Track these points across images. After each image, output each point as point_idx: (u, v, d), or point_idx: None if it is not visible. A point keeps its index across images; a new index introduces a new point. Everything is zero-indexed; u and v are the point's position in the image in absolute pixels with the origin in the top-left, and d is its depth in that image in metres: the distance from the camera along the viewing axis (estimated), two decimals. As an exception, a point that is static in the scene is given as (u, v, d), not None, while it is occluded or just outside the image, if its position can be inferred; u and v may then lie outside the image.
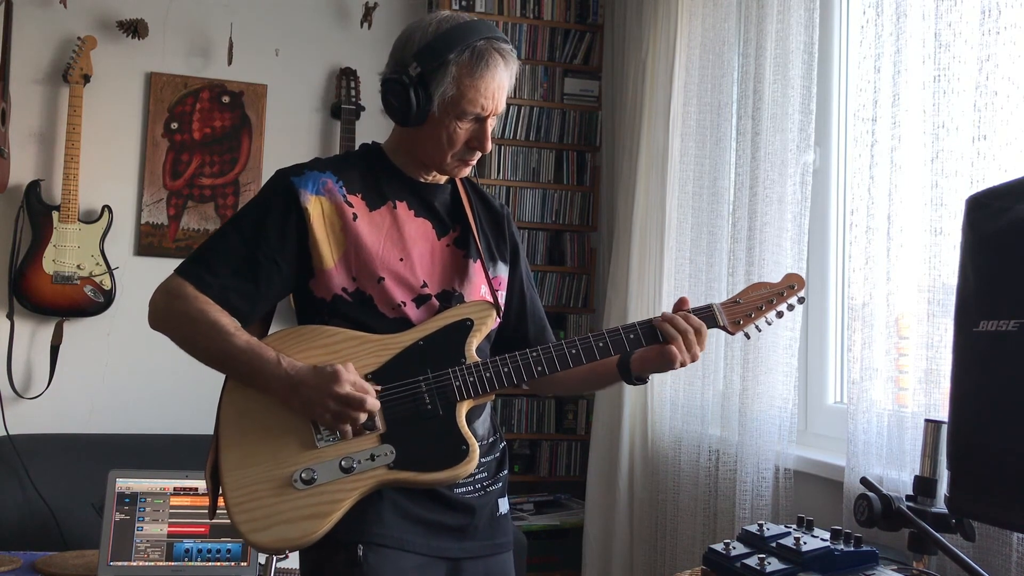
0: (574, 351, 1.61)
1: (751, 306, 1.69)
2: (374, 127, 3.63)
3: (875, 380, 2.03)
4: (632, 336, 1.63)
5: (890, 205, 2.01)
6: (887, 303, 2.02)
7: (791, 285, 1.71)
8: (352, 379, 1.51)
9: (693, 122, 2.87)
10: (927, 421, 1.66)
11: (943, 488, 1.55)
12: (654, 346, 1.64)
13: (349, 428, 1.52)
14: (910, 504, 1.57)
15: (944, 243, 1.83)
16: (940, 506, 1.57)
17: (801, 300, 1.73)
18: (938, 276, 1.84)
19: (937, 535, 1.43)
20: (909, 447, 1.91)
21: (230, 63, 3.58)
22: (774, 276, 2.37)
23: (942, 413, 1.76)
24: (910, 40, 1.99)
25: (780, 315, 1.72)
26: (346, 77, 3.67)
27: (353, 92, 3.65)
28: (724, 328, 1.68)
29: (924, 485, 1.60)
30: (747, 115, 2.56)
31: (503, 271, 1.77)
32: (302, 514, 1.49)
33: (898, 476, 1.92)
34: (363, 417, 1.51)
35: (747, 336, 1.74)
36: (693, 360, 1.64)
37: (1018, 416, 1.18)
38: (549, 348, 1.61)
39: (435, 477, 1.54)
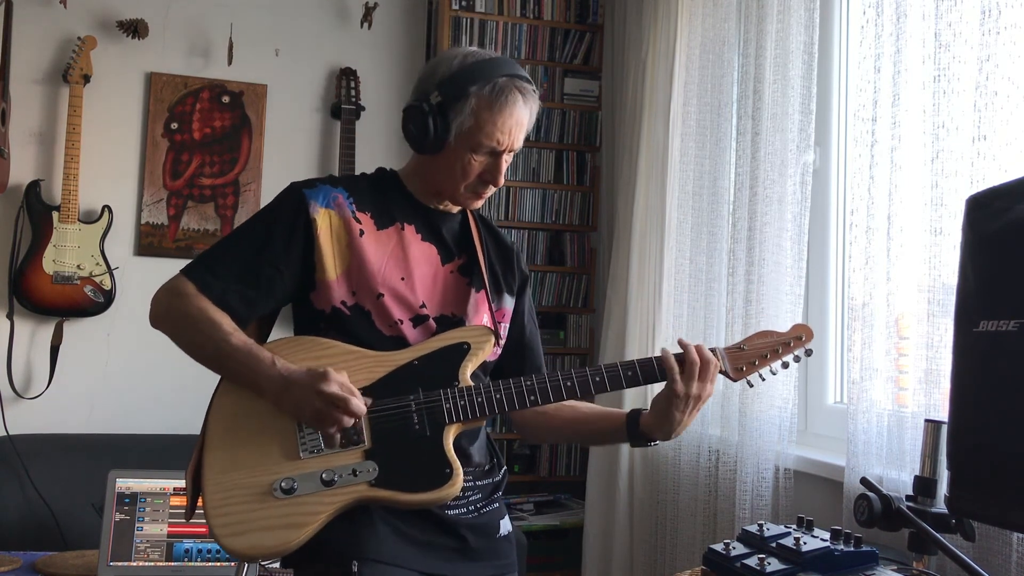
0: (569, 383, 1.59)
1: (756, 354, 1.66)
2: (374, 127, 3.63)
3: (875, 380, 2.03)
4: (630, 373, 1.60)
5: (890, 205, 2.01)
6: (887, 303, 2.02)
7: (799, 336, 1.68)
8: (341, 380, 1.49)
9: (693, 122, 2.87)
10: (927, 421, 1.65)
11: (943, 488, 1.55)
12: (659, 403, 1.61)
13: (333, 432, 1.51)
14: (910, 504, 1.57)
15: (944, 243, 1.83)
16: (940, 506, 1.56)
17: (809, 352, 1.69)
18: (938, 276, 1.84)
19: (937, 535, 1.43)
20: (909, 447, 1.91)
21: (230, 63, 3.58)
22: (774, 276, 2.38)
23: (942, 413, 1.76)
24: (910, 40, 1.99)
25: (786, 366, 1.68)
26: (346, 77, 3.67)
27: (353, 92, 3.65)
28: (726, 374, 1.65)
29: (924, 485, 1.60)
30: (747, 115, 2.56)
31: (508, 304, 1.76)
32: (279, 523, 1.48)
33: (898, 476, 1.92)
34: (347, 420, 1.50)
35: (750, 384, 1.70)
36: (698, 396, 1.58)
37: (1018, 416, 1.18)
38: (544, 378, 1.59)
39: (416, 498, 1.52)
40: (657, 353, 1.65)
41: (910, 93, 1.98)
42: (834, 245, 2.46)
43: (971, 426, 1.26)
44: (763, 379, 1.69)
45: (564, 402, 1.65)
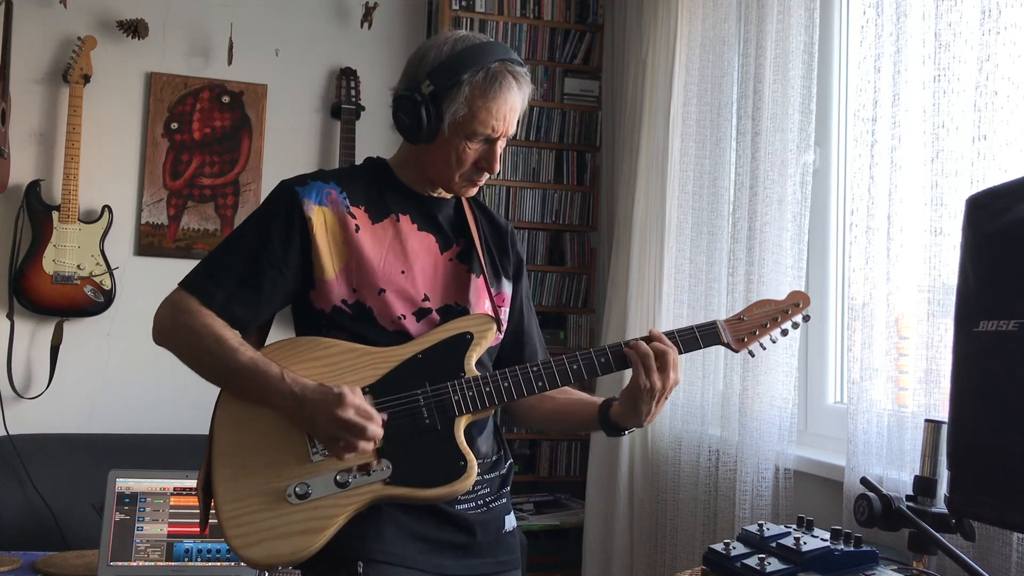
0: (575, 366, 1.59)
1: (755, 323, 1.67)
2: (374, 127, 3.63)
3: (875, 380, 2.03)
4: (603, 360, 1.59)
5: (890, 205, 2.01)
6: (887, 303, 2.02)
7: (796, 303, 1.69)
8: (357, 403, 1.47)
9: (693, 122, 2.87)
10: (927, 421, 1.65)
11: (943, 488, 1.55)
12: (626, 395, 1.60)
13: (347, 457, 1.49)
14: (910, 504, 1.57)
15: (944, 243, 1.83)
16: (940, 506, 1.56)
17: (806, 318, 1.71)
18: (938, 276, 1.84)
19: (937, 535, 1.43)
20: (909, 447, 1.91)
21: (230, 63, 3.58)
22: (774, 276, 2.38)
23: (942, 413, 1.76)
24: (910, 40, 1.99)
25: (785, 333, 1.70)
26: (346, 77, 3.67)
27: (353, 92, 3.65)
28: (728, 345, 1.65)
29: (924, 485, 1.60)
30: (747, 115, 2.56)
31: (507, 287, 1.76)
32: (295, 529, 1.47)
33: (898, 476, 1.92)
34: (363, 446, 1.48)
35: (751, 354, 1.71)
36: (663, 387, 1.56)
37: (1018, 416, 1.18)
38: (550, 363, 1.59)
39: (432, 493, 1.52)
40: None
41: (910, 93, 1.98)
42: (834, 245, 2.46)
43: (971, 426, 1.26)
44: (763, 348, 1.71)
45: (546, 392, 1.63)
